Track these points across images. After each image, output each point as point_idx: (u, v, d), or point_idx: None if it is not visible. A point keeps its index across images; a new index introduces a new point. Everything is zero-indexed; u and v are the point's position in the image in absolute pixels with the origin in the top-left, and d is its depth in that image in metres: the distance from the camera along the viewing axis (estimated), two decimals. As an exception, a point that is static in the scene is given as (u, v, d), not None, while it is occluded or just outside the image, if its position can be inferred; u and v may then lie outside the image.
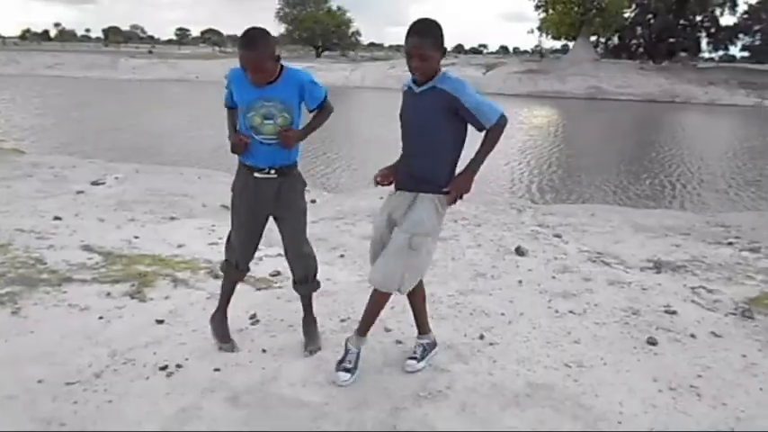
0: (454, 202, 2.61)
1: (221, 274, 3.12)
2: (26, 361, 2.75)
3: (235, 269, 2.99)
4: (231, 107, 2.83)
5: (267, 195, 2.78)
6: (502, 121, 2.53)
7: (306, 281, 3.02)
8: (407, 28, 2.53)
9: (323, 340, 3.08)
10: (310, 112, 2.81)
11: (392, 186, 2.75)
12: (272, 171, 2.75)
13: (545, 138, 16.93)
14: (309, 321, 3.09)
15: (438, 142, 2.57)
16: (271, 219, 2.91)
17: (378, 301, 2.71)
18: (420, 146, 2.60)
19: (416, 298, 2.91)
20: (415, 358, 2.87)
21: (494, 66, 39.18)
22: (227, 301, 3.05)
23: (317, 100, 2.76)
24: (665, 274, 4.45)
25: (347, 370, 2.71)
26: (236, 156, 2.81)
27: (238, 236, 2.91)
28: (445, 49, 2.55)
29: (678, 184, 10.60)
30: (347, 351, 2.77)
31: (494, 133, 2.54)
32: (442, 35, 2.52)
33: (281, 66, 2.64)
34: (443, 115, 2.52)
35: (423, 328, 2.97)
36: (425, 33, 2.51)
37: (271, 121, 2.66)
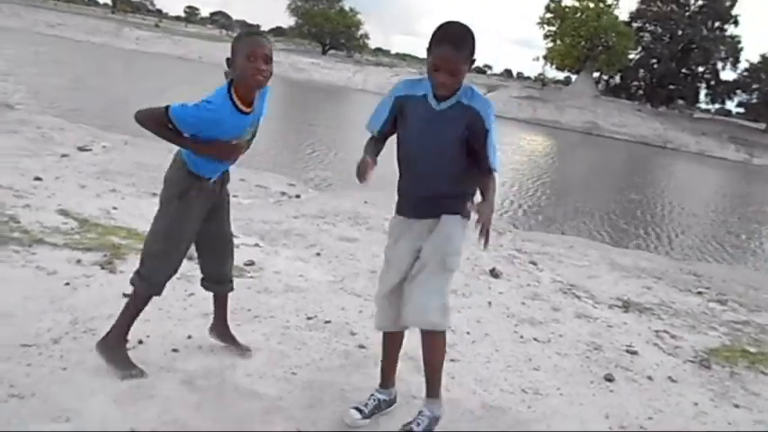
0: (486, 235, 2.05)
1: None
2: (-15, 317, 2.72)
3: (153, 288, 2.56)
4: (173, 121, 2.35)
5: (212, 198, 2.60)
6: (496, 173, 2.28)
7: (229, 279, 2.82)
8: (434, 31, 2.14)
9: (288, 336, 3.07)
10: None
11: (395, 211, 2.46)
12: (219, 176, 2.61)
13: (536, 165, 17.08)
14: (226, 325, 2.86)
15: (461, 162, 2.27)
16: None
17: (436, 347, 2.37)
18: (440, 167, 2.28)
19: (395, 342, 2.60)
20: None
21: (495, 87, 39.40)
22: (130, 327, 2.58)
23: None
24: (632, 314, 4.51)
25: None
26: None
27: (178, 249, 2.56)
28: (474, 60, 2.19)
29: (658, 229, 10.74)
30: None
31: (493, 179, 2.26)
32: (475, 44, 2.16)
33: None
34: (464, 133, 2.23)
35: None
36: (462, 44, 2.12)
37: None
